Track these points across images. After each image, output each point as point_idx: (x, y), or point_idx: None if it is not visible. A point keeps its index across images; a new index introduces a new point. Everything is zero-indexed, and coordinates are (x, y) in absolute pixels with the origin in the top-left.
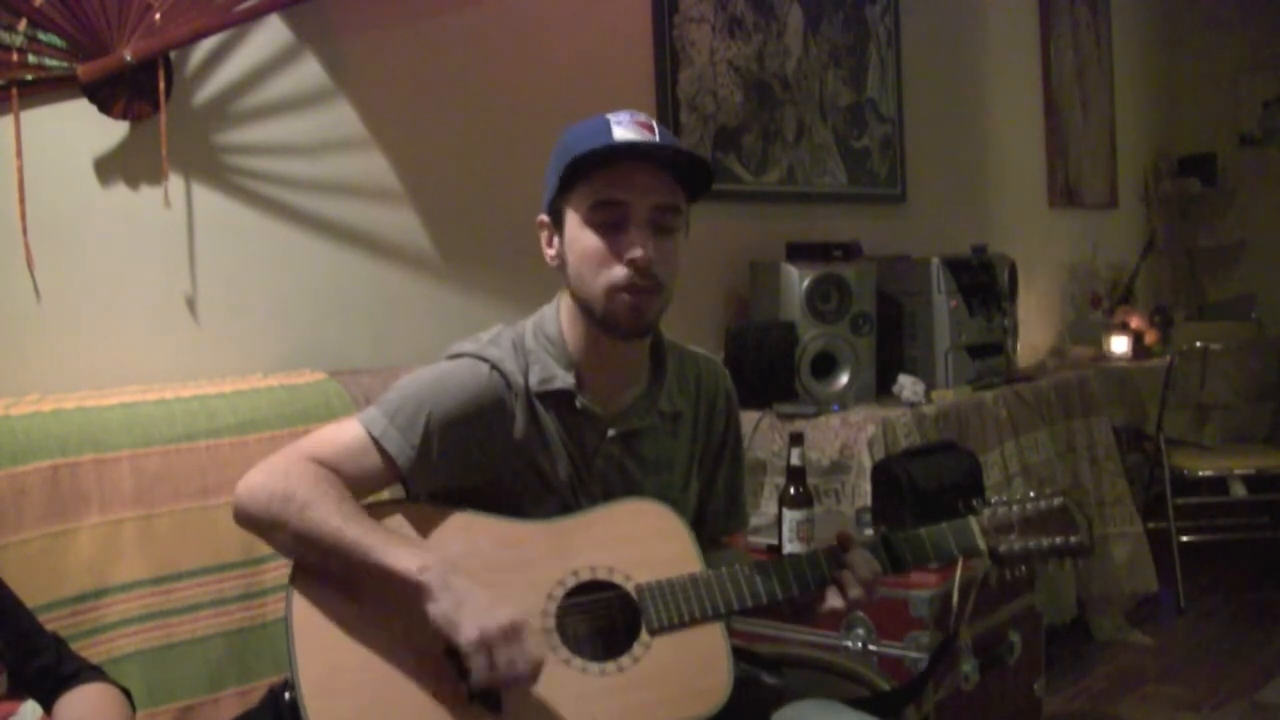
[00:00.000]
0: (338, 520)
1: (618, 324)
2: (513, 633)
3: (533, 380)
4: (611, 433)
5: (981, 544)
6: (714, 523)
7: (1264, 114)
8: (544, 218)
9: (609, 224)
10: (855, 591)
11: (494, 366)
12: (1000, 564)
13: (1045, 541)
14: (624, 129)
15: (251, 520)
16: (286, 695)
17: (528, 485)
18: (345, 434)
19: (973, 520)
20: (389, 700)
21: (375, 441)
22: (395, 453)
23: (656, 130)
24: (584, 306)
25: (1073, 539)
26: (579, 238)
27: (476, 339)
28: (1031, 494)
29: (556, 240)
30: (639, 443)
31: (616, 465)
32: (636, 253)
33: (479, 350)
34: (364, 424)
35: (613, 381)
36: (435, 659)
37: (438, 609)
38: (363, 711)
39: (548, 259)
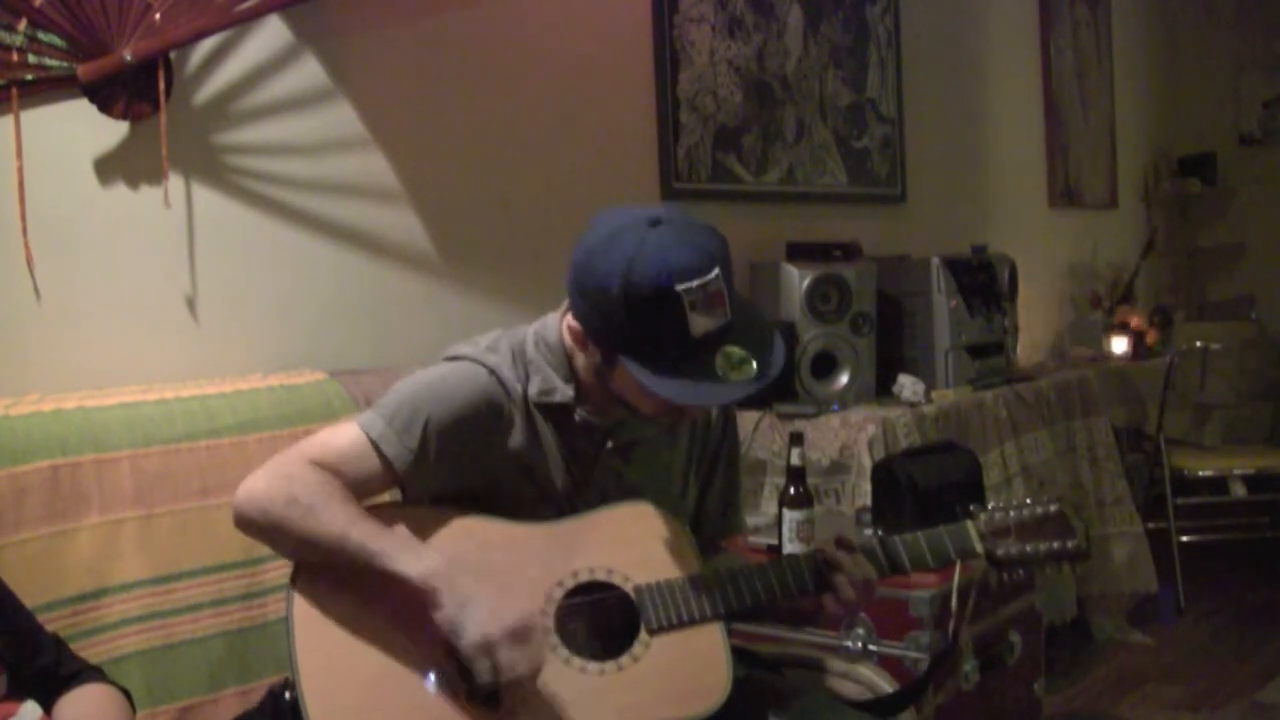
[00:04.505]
0: (342, 523)
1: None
2: (517, 634)
3: (532, 390)
4: (610, 444)
5: (979, 547)
6: (710, 526)
7: (1264, 114)
8: (576, 326)
9: None
10: (848, 594)
11: (492, 372)
12: (998, 567)
13: (1042, 546)
14: (703, 317)
15: (254, 526)
16: (287, 695)
17: (524, 491)
18: (343, 437)
19: (969, 524)
20: (389, 699)
21: (373, 445)
22: (393, 456)
23: (726, 294)
24: (617, 395)
25: (1070, 544)
26: (633, 388)
27: (475, 343)
28: (1029, 500)
29: (594, 354)
30: (637, 453)
31: (614, 475)
32: (697, 414)
33: (477, 355)
34: (362, 427)
35: (612, 395)
36: (436, 658)
37: (443, 615)
38: (363, 710)
39: (574, 351)
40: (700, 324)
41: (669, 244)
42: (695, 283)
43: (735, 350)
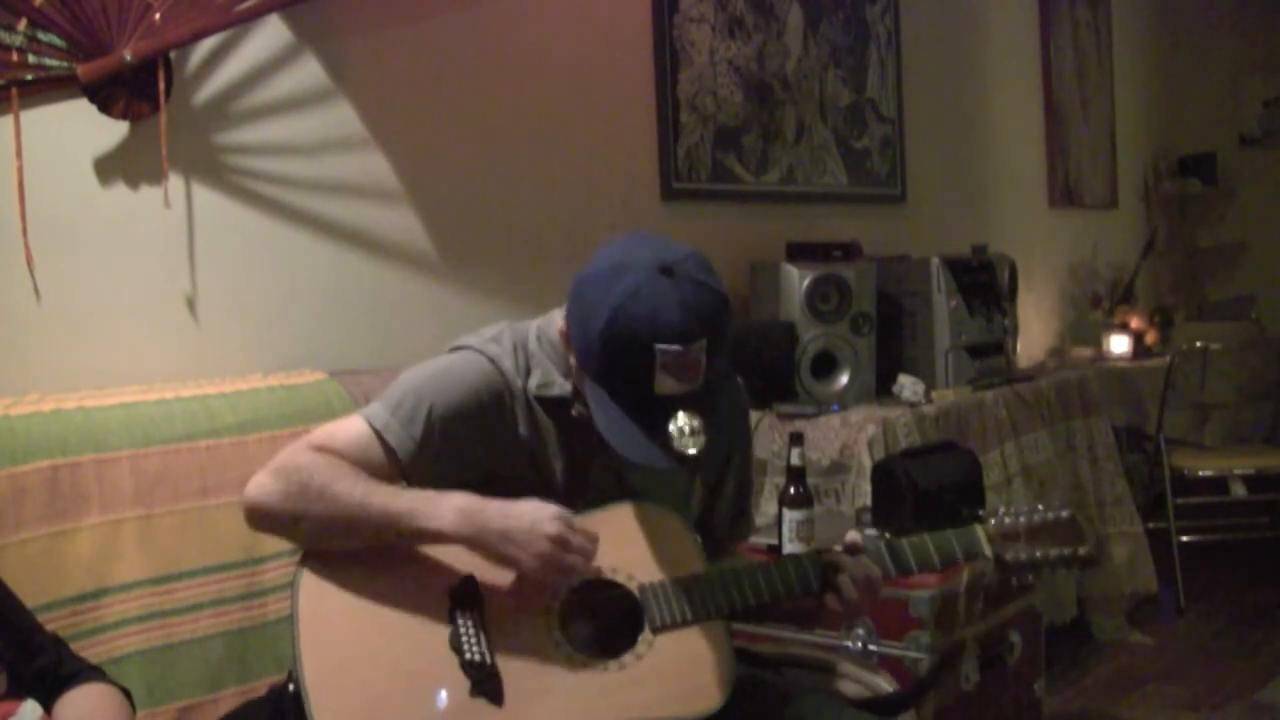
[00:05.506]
0: (361, 491)
1: None
2: (559, 542)
3: (532, 383)
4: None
5: (988, 551)
6: (720, 530)
7: (1264, 114)
8: (564, 328)
9: None
10: (851, 593)
11: (492, 361)
12: (1007, 571)
13: (1053, 551)
14: (671, 380)
15: (269, 517)
16: (290, 686)
17: (526, 483)
18: (348, 428)
19: (979, 528)
20: (393, 692)
21: (377, 434)
22: (397, 445)
23: (703, 366)
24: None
25: (1080, 550)
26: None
27: (479, 334)
28: (1040, 506)
29: (572, 360)
30: None
31: (612, 474)
32: None
33: (480, 346)
34: (366, 418)
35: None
36: (441, 651)
37: (490, 553)
38: (366, 703)
39: (562, 342)
40: (665, 384)
41: (667, 299)
42: (674, 347)
43: (693, 420)
